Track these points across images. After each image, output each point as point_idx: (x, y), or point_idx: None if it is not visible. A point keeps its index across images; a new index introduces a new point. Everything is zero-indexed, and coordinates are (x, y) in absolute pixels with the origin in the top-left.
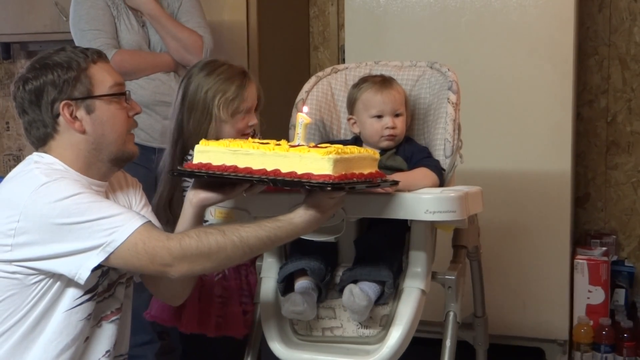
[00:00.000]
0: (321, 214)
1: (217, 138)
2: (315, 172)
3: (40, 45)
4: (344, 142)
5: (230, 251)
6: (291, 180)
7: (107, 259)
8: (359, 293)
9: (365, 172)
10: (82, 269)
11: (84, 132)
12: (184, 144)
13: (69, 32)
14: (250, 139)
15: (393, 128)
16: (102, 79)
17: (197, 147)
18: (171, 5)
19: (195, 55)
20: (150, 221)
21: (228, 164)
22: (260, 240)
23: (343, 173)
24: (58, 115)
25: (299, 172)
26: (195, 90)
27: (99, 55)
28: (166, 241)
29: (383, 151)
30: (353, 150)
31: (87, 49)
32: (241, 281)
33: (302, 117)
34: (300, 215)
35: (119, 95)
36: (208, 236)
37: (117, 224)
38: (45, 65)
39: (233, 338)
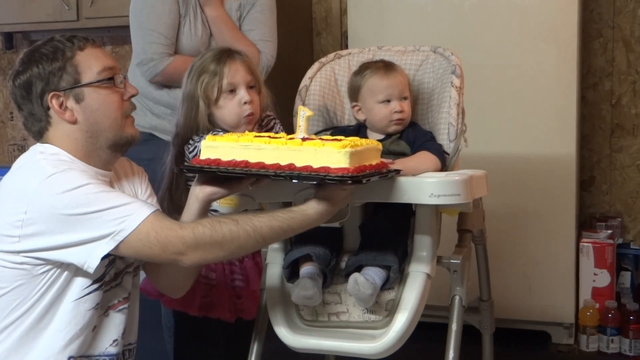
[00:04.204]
0: (333, 205)
1: (214, 126)
2: (332, 166)
3: (43, 34)
4: (347, 129)
5: (244, 240)
6: (310, 174)
7: (116, 247)
8: (364, 282)
9: (374, 163)
10: (91, 257)
11: (75, 121)
12: (180, 138)
13: (72, 21)
14: (263, 132)
15: (401, 112)
16: (88, 65)
17: (204, 142)
18: (243, 5)
19: None
20: (159, 209)
21: (238, 159)
22: (273, 231)
23: (357, 166)
24: (48, 107)
25: (315, 166)
26: (186, 84)
27: (86, 41)
28: (179, 230)
29: (387, 136)
30: (362, 142)
31: (74, 35)
32: (231, 265)
33: (304, 110)
34: (313, 207)
35: (107, 80)
36: (222, 225)
37: (127, 212)
38: (32, 58)
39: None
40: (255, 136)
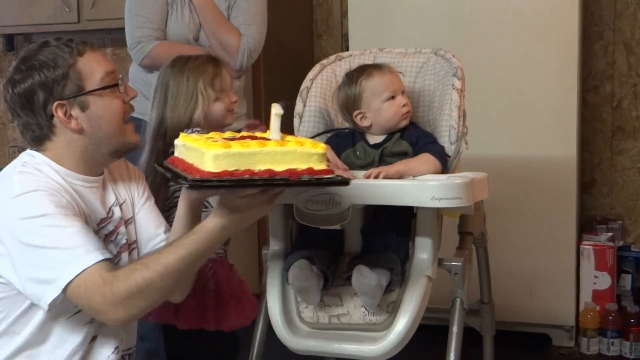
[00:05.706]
0: (236, 214)
1: (209, 120)
2: (205, 169)
3: (44, 36)
4: (342, 132)
5: (160, 283)
6: (178, 173)
7: (63, 293)
8: (368, 273)
9: (280, 168)
10: (42, 302)
11: (81, 130)
12: (167, 137)
13: (73, 24)
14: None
15: (407, 105)
16: (91, 71)
17: (176, 141)
18: None
19: (231, 56)
20: (104, 260)
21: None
22: (184, 261)
23: (229, 170)
24: (52, 116)
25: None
26: (176, 81)
27: (84, 45)
28: (102, 287)
29: (388, 137)
30: (276, 143)
31: (71, 40)
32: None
33: (275, 108)
34: (211, 220)
35: (112, 86)
36: (134, 274)
37: (69, 259)
38: (31, 66)
39: (221, 333)
40: (207, 138)
